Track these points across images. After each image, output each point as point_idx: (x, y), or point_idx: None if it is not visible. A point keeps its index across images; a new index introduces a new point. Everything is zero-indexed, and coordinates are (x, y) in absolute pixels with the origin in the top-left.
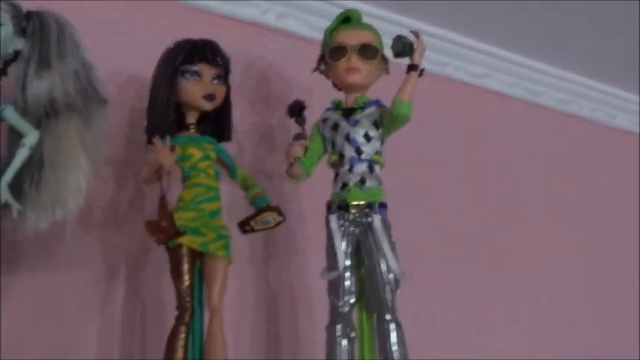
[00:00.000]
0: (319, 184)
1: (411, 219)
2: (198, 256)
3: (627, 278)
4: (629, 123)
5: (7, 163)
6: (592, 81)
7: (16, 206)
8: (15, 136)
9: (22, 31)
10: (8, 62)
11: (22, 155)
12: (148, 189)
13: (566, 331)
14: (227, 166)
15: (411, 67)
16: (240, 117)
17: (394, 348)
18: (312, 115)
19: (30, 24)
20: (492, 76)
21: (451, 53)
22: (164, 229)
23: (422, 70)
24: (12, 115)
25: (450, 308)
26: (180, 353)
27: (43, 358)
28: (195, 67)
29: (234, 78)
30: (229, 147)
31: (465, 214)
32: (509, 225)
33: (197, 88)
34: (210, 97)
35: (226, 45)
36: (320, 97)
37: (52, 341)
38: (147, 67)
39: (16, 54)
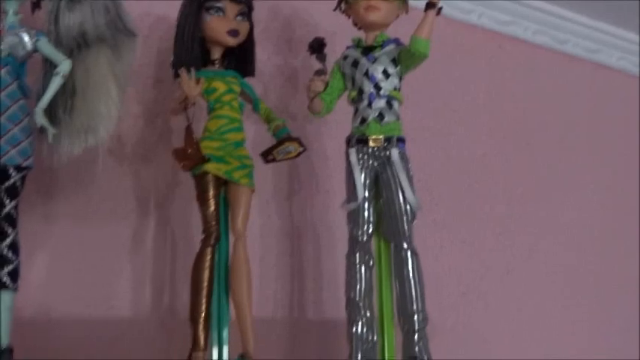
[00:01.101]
0: (341, 125)
1: (433, 164)
2: (222, 184)
3: None
4: None
5: (42, 91)
6: (619, 29)
7: (51, 130)
8: (49, 66)
9: None
10: None
11: (56, 83)
12: (176, 126)
13: (584, 274)
14: (250, 100)
15: (429, 5)
16: (265, 59)
17: (410, 275)
18: (336, 57)
19: None
20: (517, 24)
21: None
22: (190, 155)
23: (439, 9)
24: (46, 46)
25: (470, 250)
26: (206, 273)
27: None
28: (219, 4)
29: (260, 22)
30: (255, 87)
31: (486, 159)
32: (531, 171)
33: (221, 24)
34: (233, 33)
35: None
36: (343, 41)
37: (85, 267)
38: (174, 9)
39: None
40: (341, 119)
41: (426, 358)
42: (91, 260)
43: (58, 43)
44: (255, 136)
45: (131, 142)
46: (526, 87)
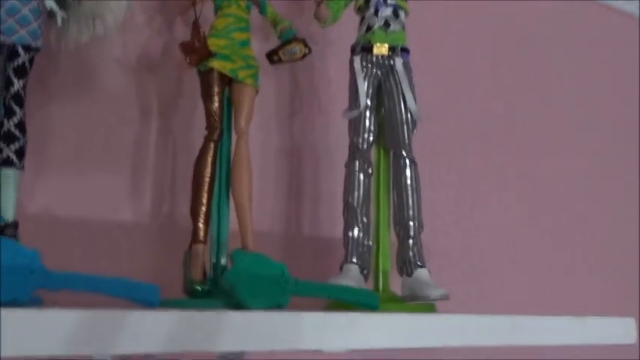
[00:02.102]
0: (346, 47)
1: (439, 94)
2: (227, 83)
3: None
4: None
5: None
6: None
7: (60, 13)
8: None
9: None
10: None
11: None
12: (180, 35)
13: (587, 206)
14: (257, 2)
15: None
16: None
17: (408, 182)
18: None
19: None
20: None
21: None
22: (197, 49)
23: None
24: None
25: (462, 181)
26: (208, 168)
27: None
28: None
29: None
30: None
31: (487, 98)
32: (529, 111)
33: None
34: None
35: None
36: None
37: (88, 168)
38: None
39: None
40: (345, 41)
41: (419, 262)
42: (93, 162)
43: None
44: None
45: (135, 52)
46: (530, 26)
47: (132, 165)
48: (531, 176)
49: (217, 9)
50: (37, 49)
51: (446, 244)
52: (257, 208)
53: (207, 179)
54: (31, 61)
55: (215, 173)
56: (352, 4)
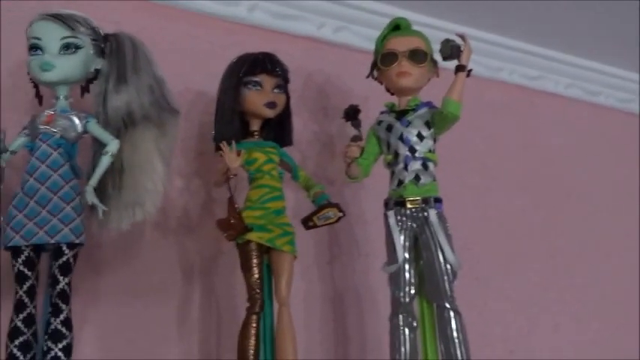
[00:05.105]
0: (379, 188)
1: (472, 221)
2: (265, 252)
3: None
4: None
5: (92, 170)
6: None
7: (101, 207)
8: (98, 146)
9: (101, 52)
10: (90, 80)
11: (105, 162)
12: (218, 197)
13: (631, 324)
14: (290, 168)
15: (459, 68)
16: (302, 127)
17: (454, 334)
18: (370, 122)
19: (108, 45)
20: (547, 78)
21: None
22: (233, 225)
23: (469, 71)
24: (95, 127)
25: (513, 306)
26: (252, 341)
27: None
28: (256, 78)
29: (295, 91)
30: (293, 155)
31: (524, 214)
32: (568, 224)
33: (259, 97)
34: (271, 105)
35: (285, 60)
36: (376, 105)
37: (134, 338)
38: (213, 84)
39: (97, 72)
40: (378, 183)
41: None
42: (139, 332)
43: (106, 123)
44: (295, 203)
45: (175, 214)
46: (561, 140)
47: (178, 330)
48: (584, 301)
49: (251, 180)
50: (80, 245)
51: None
52: (305, 357)
53: (252, 352)
54: (74, 256)
55: (259, 345)
56: (382, 158)
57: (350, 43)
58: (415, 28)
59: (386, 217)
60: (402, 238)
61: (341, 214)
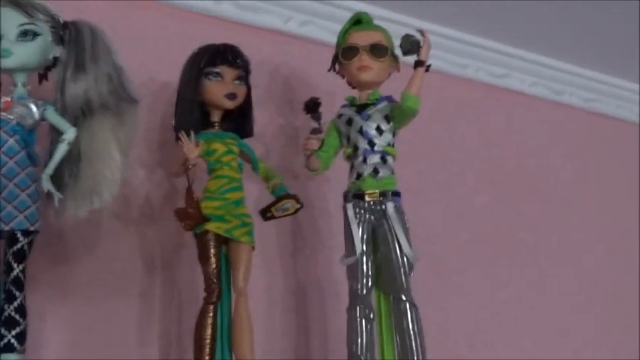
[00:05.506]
0: (342, 182)
1: (435, 216)
2: (223, 243)
3: None
4: None
5: (49, 158)
6: (616, 79)
7: (57, 195)
8: (56, 134)
9: (60, 40)
10: (48, 68)
11: (61, 150)
12: (180, 187)
13: (591, 322)
14: (250, 159)
15: (418, 63)
16: (267, 121)
17: (410, 327)
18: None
19: (67, 33)
20: (513, 76)
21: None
22: (191, 215)
23: (428, 66)
24: (53, 115)
25: (473, 301)
26: (209, 330)
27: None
28: (217, 69)
29: (261, 84)
30: (258, 148)
31: (486, 211)
32: (531, 221)
33: (219, 88)
34: (231, 96)
35: (252, 53)
36: (342, 99)
37: (96, 329)
38: (177, 75)
39: (55, 60)
40: (342, 177)
41: None
42: (100, 322)
43: (64, 111)
44: (258, 196)
45: (137, 204)
46: (525, 138)
47: (139, 317)
48: (543, 299)
49: (210, 171)
50: (35, 232)
51: None
52: (266, 351)
53: (208, 342)
54: (29, 244)
55: (216, 335)
56: (341, 151)
57: (316, 37)
58: (380, 23)
59: (345, 209)
60: (360, 230)
61: (299, 206)
